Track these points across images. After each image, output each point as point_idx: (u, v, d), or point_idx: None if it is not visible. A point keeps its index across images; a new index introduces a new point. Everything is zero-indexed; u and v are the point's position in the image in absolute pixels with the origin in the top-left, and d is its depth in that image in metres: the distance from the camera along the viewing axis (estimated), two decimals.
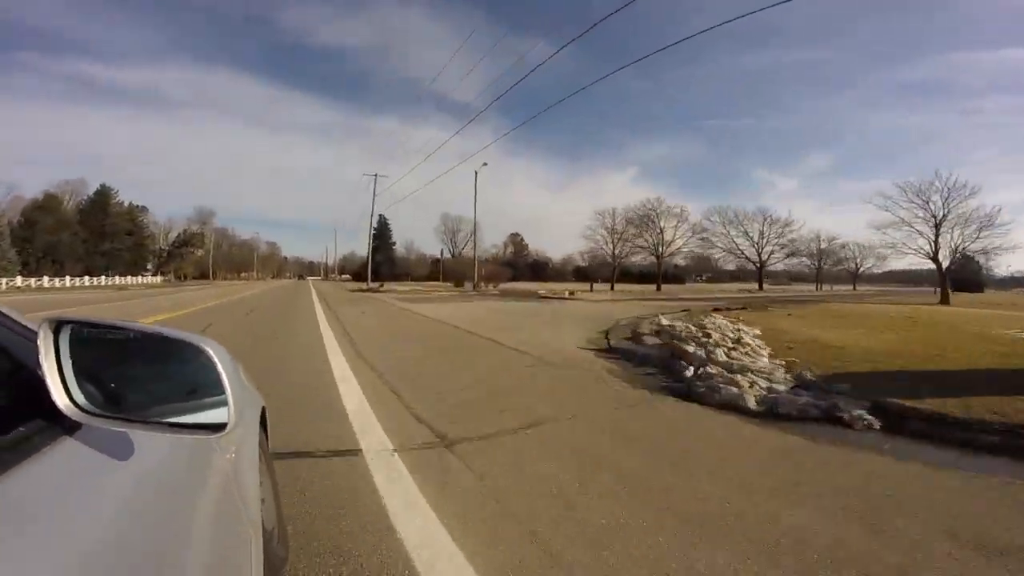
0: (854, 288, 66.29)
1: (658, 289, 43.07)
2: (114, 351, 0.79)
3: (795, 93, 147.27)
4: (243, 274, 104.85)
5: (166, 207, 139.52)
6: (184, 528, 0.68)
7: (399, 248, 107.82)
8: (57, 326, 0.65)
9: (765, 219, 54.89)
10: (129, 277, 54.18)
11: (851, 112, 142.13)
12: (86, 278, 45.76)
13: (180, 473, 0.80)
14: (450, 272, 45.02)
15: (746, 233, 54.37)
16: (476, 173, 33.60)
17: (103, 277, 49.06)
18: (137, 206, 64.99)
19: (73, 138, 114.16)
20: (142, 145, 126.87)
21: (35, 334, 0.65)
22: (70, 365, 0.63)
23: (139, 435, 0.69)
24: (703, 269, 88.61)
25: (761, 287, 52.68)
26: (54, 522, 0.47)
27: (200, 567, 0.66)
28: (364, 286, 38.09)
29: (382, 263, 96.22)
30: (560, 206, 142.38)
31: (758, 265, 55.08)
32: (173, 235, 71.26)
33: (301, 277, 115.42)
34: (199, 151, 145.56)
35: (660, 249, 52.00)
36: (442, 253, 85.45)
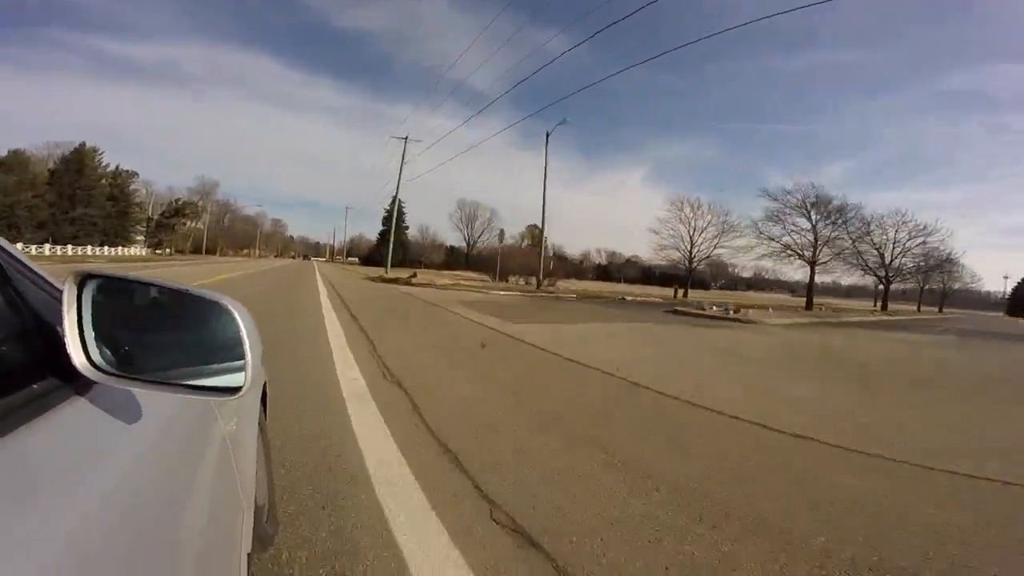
0: (940, 311, 56.97)
1: (809, 306, 30.75)
2: (136, 307, 0.76)
3: (819, 101, 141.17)
4: (244, 250, 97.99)
5: (171, 179, 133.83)
6: (184, 493, 0.68)
7: (412, 233, 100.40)
8: (82, 281, 0.62)
9: (900, 223, 37.97)
10: (107, 248, 46.26)
11: (875, 122, 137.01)
12: (47, 247, 37.75)
13: (183, 439, 0.79)
14: (484, 263, 35.78)
15: (871, 241, 38.48)
16: (548, 135, 25.10)
17: (69, 247, 41.02)
18: (125, 171, 56.79)
19: (86, 111, 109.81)
20: (152, 119, 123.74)
21: (57, 290, 0.64)
22: (91, 323, 0.61)
23: (147, 399, 0.68)
24: (717, 275, 78.28)
25: (886, 307, 40.66)
26: (60, 481, 0.47)
27: (195, 534, 0.66)
28: (385, 273, 29.71)
29: (395, 248, 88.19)
30: (572, 202, 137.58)
31: (884, 280, 39.98)
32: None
33: (306, 257, 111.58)
34: (210, 127, 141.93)
35: (815, 251, 34.86)
36: (496, 245, 76.91)
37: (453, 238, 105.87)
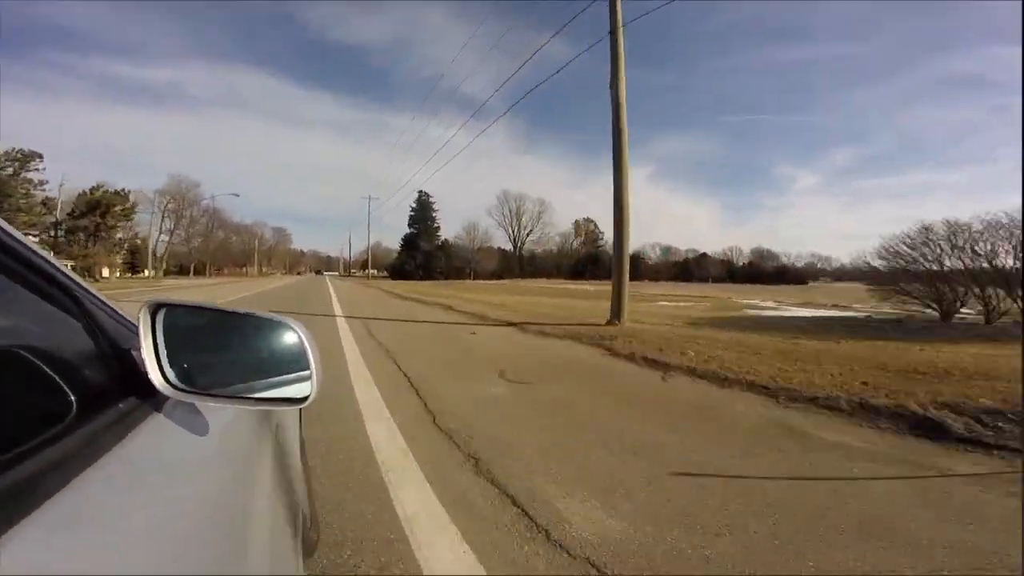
0: None
1: None
2: (198, 328, 0.81)
3: (822, 87, 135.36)
4: (242, 268, 75.56)
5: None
6: (249, 501, 0.71)
7: (455, 231, 76.29)
8: (155, 309, 0.68)
9: None
10: None
11: (879, 107, 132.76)
12: None
13: (243, 450, 0.83)
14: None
15: None
16: None
17: None
18: (12, 151, 34.05)
19: (87, 131, 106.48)
20: (152, 139, 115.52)
21: (124, 317, 0.73)
22: (163, 345, 0.66)
23: (209, 412, 0.72)
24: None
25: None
26: (153, 493, 0.52)
27: (263, 541, 0.68)
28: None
29: (430, 253, 64.40)
30: (571, 200, 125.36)
31: None
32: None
33: (319, 272, 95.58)
34: (212, 145, 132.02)
35: None
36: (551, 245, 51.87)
37: (495, 238, 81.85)
